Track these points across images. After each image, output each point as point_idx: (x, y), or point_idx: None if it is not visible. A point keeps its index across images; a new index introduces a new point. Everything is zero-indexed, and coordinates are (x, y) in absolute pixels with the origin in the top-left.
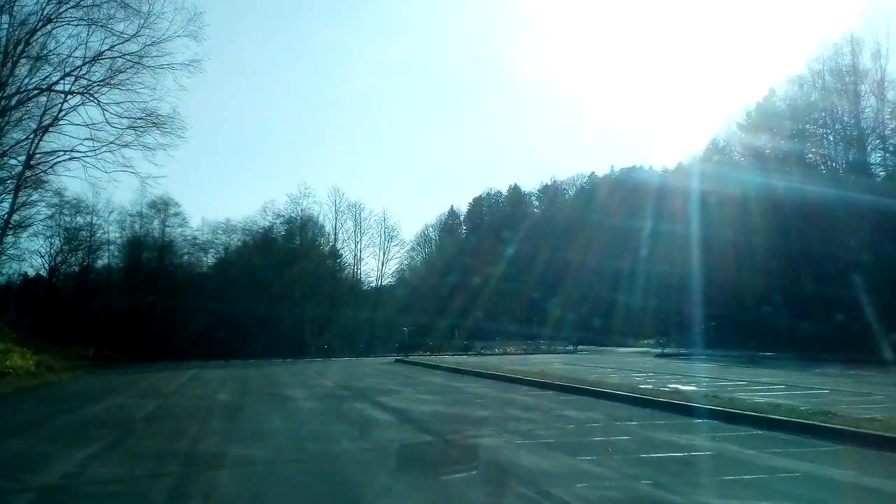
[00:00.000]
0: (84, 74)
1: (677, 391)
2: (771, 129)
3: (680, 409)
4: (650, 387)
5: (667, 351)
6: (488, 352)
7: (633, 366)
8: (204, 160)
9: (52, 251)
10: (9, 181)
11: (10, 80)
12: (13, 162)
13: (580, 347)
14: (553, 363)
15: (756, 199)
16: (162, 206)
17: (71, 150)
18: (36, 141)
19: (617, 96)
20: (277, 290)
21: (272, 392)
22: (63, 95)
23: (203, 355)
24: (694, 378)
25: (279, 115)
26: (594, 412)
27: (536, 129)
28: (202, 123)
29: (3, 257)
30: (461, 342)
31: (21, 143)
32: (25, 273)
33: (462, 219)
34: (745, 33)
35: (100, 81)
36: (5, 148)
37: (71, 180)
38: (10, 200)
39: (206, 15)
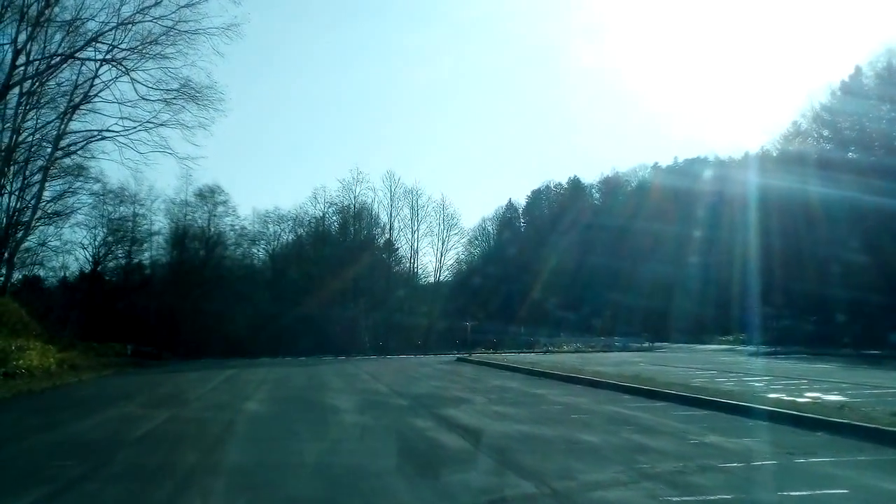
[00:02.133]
0: (116, 43)
1: (827, 404)
2: (856, 111)
3: (874, 435)
4: (784, 396)
5: (761, 349)
6: (556, 349)
7: (732, 366)
8: (252, 148)
9: (96, 243)
10: (40, 169)
11: (29, 47)
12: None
13: (656, 344)
14: (637, 363)
15: (833, 189)
16: (208, 195)
17: (104, 130)
18: (66, 120)
19: (682, 83)
20: (330, 284)
21: (313, 399)
22: (94, 69)
23: (251, 352)
24: (827, 383)
25: (329, 105)
26: (747, 438)
27: (596, 120)
28: (249, 110)
29: (44, 248)
30: (526, 338)
31: (51, 123)
32: (69, 266)
33: (520, 212)
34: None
35: (131, 48)
36: (37, 126)
37: (111, 168)
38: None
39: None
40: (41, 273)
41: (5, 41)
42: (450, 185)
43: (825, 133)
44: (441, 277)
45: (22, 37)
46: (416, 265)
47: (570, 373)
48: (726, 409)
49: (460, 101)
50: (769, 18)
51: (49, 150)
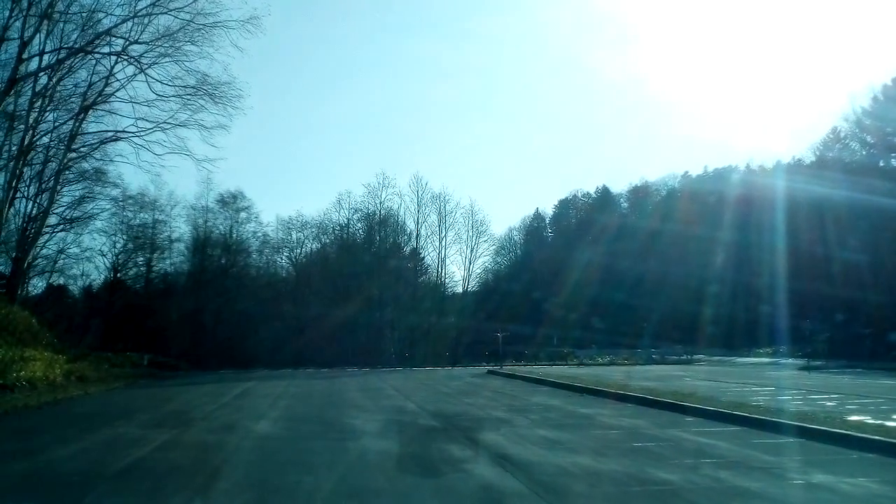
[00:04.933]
0: (131, 37)
1: None
2: None
3: None
4: (869, 419)
5: (811, 363)
6: (590, 361)
7: (787, 382)
8: (277, 154)
9: (115, 250)
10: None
11: (43, 43)
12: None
13: (695, 357)
14: (682, 377)
15: (873, 196)
16: (230, 201)
17: (119, 131)
18: (80, 120)
19: (711, 90)
20: (355, 293)
21: (332, 419)
22: (109, 67)
23: (273, 363)
24: None
25: (355, 113)
26: (861, 477)
27: (625, 129)
28: (274, 116)
29: (64, 255)
30: (560, 350)
31: (66, 124)
32: (89, 274)
33: (548, 221)
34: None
35: (147, 42)
36: (54, 127)
37: (130, 175)
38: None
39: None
40: (61, 280)
41: (14, 35)
42: (477, 195)
43: (868, 139)
44: (469, 287)
45: (30, 30)
46: (443, 274)
47: (616, 389)
48: (814, 436)
49: (488, 111)
50: (797, 24)
51: (63, 151)
